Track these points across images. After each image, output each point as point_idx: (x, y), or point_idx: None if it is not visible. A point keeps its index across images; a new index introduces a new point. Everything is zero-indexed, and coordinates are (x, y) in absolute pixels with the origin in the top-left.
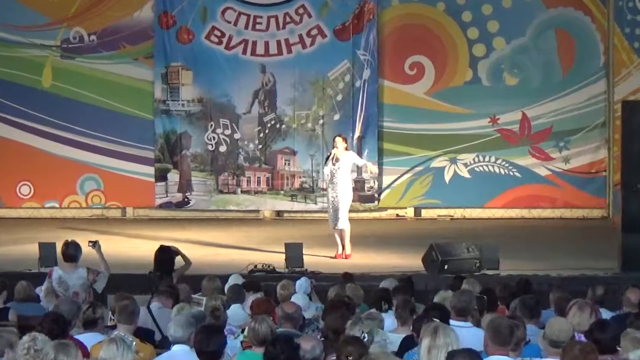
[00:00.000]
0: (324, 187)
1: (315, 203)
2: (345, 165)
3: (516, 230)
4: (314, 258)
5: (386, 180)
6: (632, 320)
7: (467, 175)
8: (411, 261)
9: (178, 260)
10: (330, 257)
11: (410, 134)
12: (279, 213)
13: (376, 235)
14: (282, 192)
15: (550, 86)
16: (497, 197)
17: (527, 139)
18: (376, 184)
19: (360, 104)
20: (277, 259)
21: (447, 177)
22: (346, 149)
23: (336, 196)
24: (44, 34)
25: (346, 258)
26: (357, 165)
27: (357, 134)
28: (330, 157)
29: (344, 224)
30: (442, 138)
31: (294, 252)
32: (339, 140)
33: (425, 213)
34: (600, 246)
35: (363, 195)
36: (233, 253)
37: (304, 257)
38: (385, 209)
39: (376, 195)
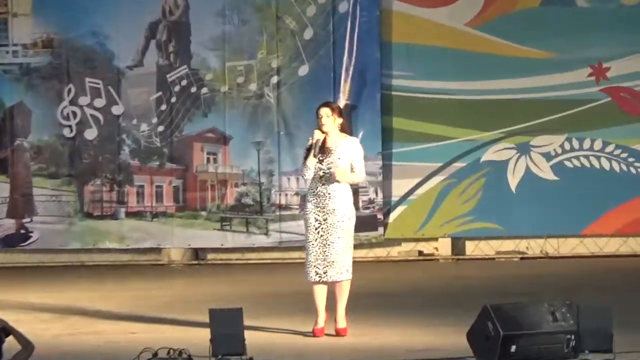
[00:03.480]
0: (285, 203)
1: (267, 234)
2: (343, 159)
3: None
4: (267, 336)
5: (399, 187)
6: None
7: (550, 175)
8: (448, 339)
9: (8, 344)
10: (304, 334)
11: (441, 101)
12: (198, 254)
13: (383, 291)
14: (203, 213)
15: None
16: (606, 217)
17: None
18: (380, 194)
19: (348, 47)
20: (195, 339)
21: (514, 180)
22: (342, 128)
23: (325, 219)
24: None
25: (339, 334)
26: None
27: (342, 100)
28: (314, 145)
29: (343, 272)
30: (501, 107)
31: (226, 325)
32: (325, 112)
33: (472, 249)
34: None
35: (358, 217)
36: (115, 329)
37: (247, 334)
38: (397, 241)
39: (380, 218)
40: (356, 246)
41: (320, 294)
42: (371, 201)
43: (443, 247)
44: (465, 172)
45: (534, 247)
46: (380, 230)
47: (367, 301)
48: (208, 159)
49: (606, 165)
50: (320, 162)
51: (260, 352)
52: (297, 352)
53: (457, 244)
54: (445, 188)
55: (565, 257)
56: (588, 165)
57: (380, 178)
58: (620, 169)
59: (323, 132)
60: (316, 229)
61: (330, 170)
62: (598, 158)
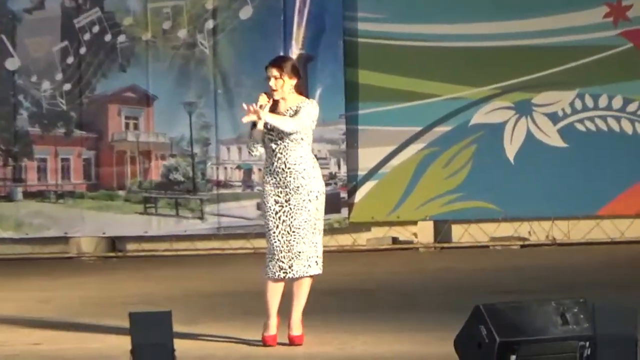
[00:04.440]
0: (224, 179)
1: (202, 218)
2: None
3: None
4: (203, 346)
5: (367, 158)
6: None
7: (557, 141)
8: (431, 347)
9: None
10: (250, 343)
11: (419, 49)
12: (115, 244)
13: (349, 288)
14: (121, 193)
15: None
16: (628, 193)
17: None
18: (343, 168)
19: None
20: (112, 350)
21: (512, 148)
22: (298, 89)
23: (288, 200)
24: None
25: (293, 343)
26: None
27: (295, 50)
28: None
29: (312, 265)
30: (496, 56)
31: (151, 332)
32: (273, 74)
33: (460, 234)
34: None
35: None
36: (13, 339)
37: (177, 344)
38: (365, 226)
39: (344, 197)
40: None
41: (276, 293)
42: (332, 176)
43: (423, 233)
44: (450, 138)
45: (538, 231)
46: (345, 212)
47: (328, 301)
48: (127, 125)
49: (628, 128)
50: (270, 132)
51: None
52: None
53: (442, 229)
54: (425, 159)
55: (578, 243)
56: (605, 128)
57: (343, 147)
58: None
59: (273, 97)
60: (277, 213)
61: (283, 139)
62: (617, 119)
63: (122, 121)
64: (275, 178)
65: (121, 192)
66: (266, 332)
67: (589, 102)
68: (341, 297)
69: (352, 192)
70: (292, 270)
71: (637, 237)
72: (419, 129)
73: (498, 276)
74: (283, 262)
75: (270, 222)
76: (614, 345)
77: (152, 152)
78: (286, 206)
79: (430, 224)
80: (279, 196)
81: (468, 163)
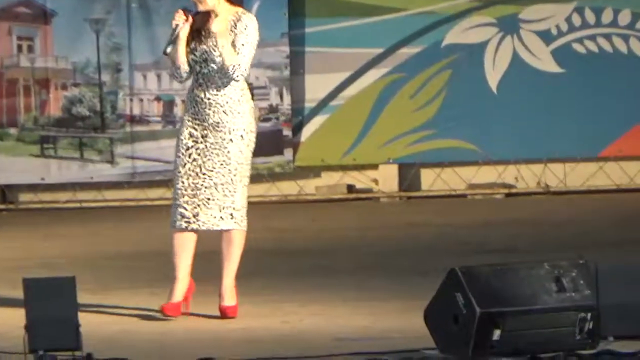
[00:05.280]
0: (140, 113)
1: (112, 162)
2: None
3: None
4: (115, 321)
5: (316, 87)
6: None
7: (550, 66)
8: (395, 321)
9: None
10: (171, 318)
11: None
12: (5, 194)
13: (294, 249)
14: (12, 131)
15: None
16: (636, 129)
17: None
18: (287, 99)
19: None
20: (3, 325)
21: (494, 74)
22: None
23: (205, 137)
24: None
25: (226, 315)
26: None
27: None
28: (174, 35)
29: (225, 217)
30: None
31: (50, 304)
32: None
33: (431, 181)
34: None
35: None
36: None
37: (83, 318)
38: (314, 171)
39: (288, 135)
40: (251, 179)
41: (184, 247)
42: (273, 109)
43: (386, 179)
44: (419, 61)
45: (527, 177)
46: (288, 154)
47: (269, 263)
48: (20, 47)
49: (637, 49)
50: (193, 51)
51: (104, 345)
52: (162, 343)
53: (408, 174)
54: (388, 87)
55: (576, 191)
56: (610, 49)
57: (286, 73)
58: None
59: (197, 10)
60: (188, 149)
61: (207, 62)
62: (625, 38)
63: (13, 42)
64: (194, 108)
65: (12, 130)
66: (169, 299)
67: (590, 18)
68: (285, 258)
69: (297, 129)
70: (197, 220)
71: None
72: (380, 50)
73: (478, 232)
74: (186, 208)
75: (178, 159)
76: (620, 316)
77: (51, 80)
78: (201, 142)
79: (394, 168)
80: (196, 129)
81: (441, 93)
